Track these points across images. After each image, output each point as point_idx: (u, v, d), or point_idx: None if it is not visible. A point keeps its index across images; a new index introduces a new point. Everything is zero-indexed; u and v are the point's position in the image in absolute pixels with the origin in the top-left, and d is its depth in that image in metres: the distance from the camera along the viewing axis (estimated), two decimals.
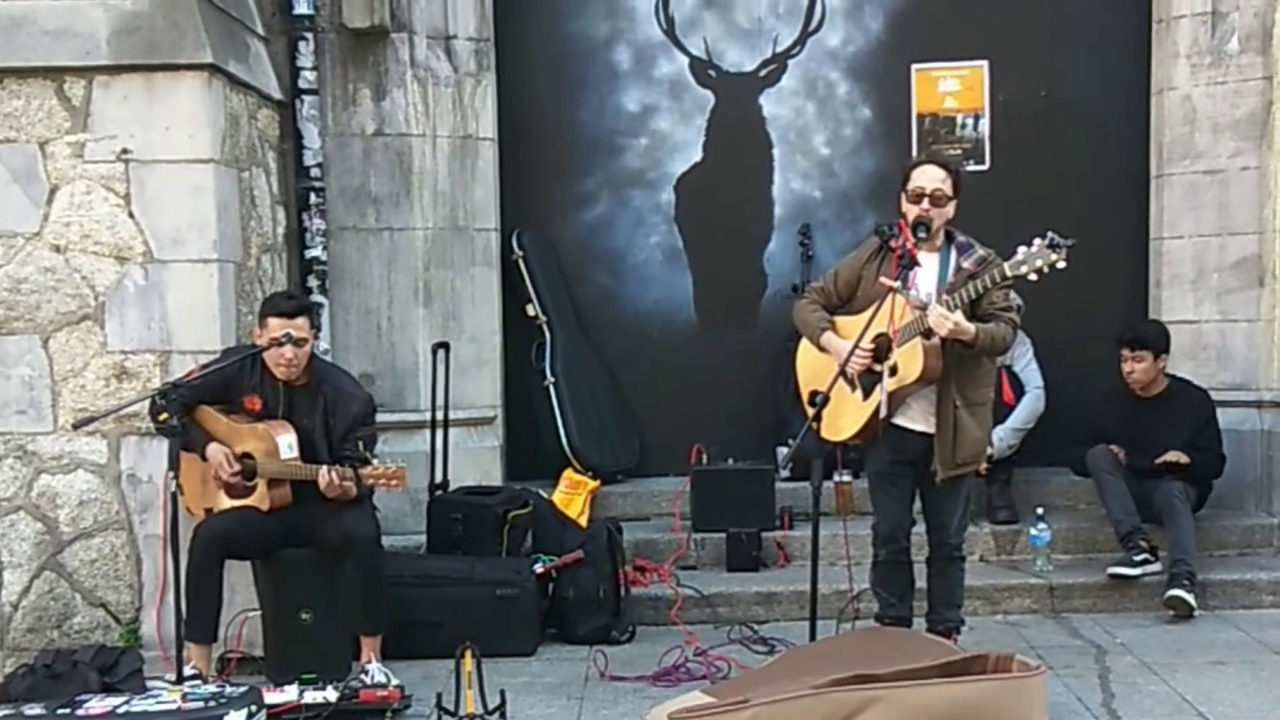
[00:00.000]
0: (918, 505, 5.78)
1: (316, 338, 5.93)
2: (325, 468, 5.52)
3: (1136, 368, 6.89)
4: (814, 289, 5.82)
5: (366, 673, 5.59)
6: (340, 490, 5.51)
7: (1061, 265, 5.22)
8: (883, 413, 5.37)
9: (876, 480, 5.76)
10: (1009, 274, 5.29)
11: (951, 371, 5.40)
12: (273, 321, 5.62)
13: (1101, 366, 7.13)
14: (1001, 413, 7.01)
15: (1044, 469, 7.60)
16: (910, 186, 5.50)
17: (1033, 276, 5.26)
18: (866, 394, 5.46)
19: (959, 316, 5.26)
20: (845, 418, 5.54)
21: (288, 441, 5.65)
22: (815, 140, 8.19)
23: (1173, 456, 6.77)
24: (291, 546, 5.77)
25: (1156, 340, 6.93)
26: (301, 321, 5.63)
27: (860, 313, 5.52)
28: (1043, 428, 7.30)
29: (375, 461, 5.68)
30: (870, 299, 5.47)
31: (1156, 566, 6.71)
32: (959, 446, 5.46)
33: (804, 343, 5.77)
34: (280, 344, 5.58)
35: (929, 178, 5.48)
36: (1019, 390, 7.24)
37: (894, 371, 5.36)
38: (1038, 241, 5.26)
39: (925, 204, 5.45)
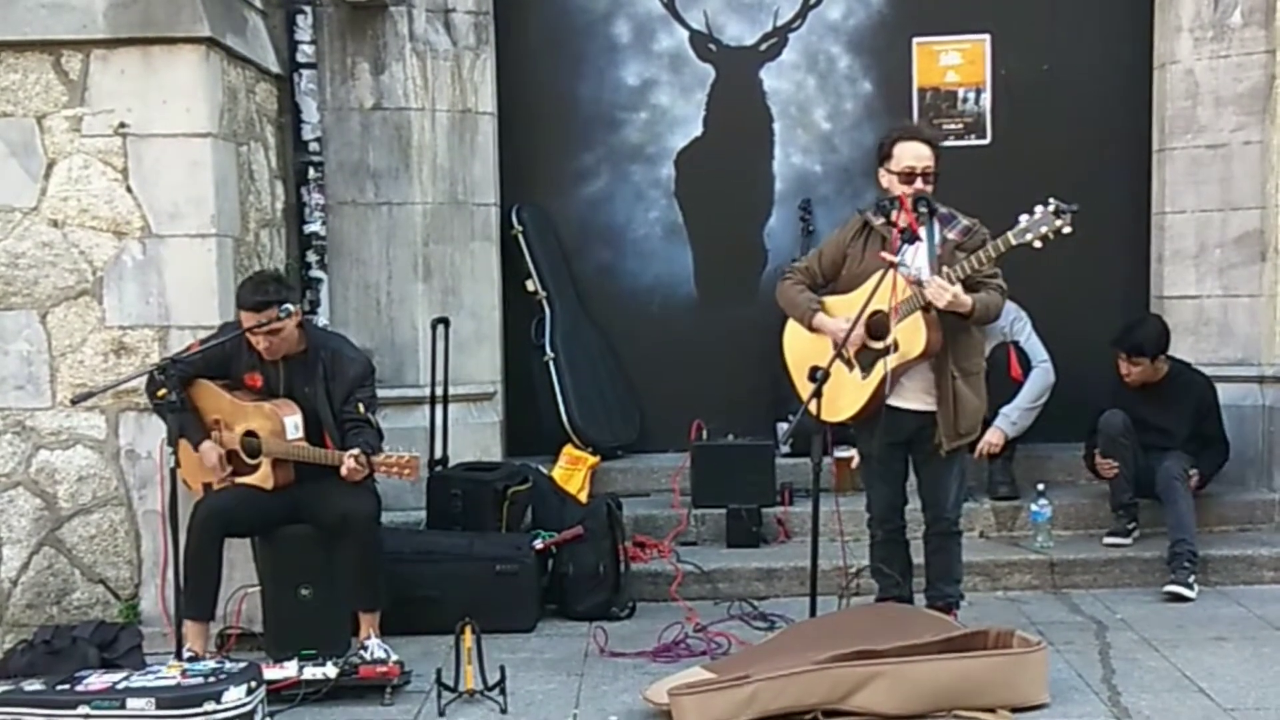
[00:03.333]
0: (911, 483, 5.78)
1: (310, 312, 5.87)
2: (349, 455, 5.45)
3: (1133, 370, 6.86)
4: (797, 269, 5.78)
5: (365, 649, 5.58)
6: (356, 474, 5.48)
7: (1067, 230, 5.20)
8: (887, 390, 5.36)
9: (871, 463, 5.73)
10: (1013, 241, 5.25)
11: (947, 344, 5.39)
12: (242, 314, 5.59)
13: (1103, 342, 7.07)
14: (1012, 389, 7.00)
15: (1045, 444, 7.58)
16: (899, 166, 5.47)
17: (1037, 244, 5.23)
18: (866, 373, 5.44)
19: (958, 289, 5.25)
20: (844, 398, 5.50)
21: (294, 422, 5.63)
22: (816, 114, 8.16)
23: (1191, 472, 6.80)
24: (291, 524, 5.75)
25: (1155, 345, 6.85)
26: (268, 314, 5.53)
27: (847, 292, 5.50)
28: (1048, 400, 7.27)
29: (373, 419, 5.72)
30: (855, 278, 5.47)
31: (1138, 534, 6.90)
32: (960, 417, 5.46)
33: (790, 326, 5.74)
34: (255, 333, 5.57)
35: (917, 156, 5.46)
36: (1026, 365, 7.16)
37: (895, 348, 5.34)
38: (1040, 208, 5.23)
39: (919, 183, 5.43)
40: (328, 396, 5.70)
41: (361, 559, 5.64)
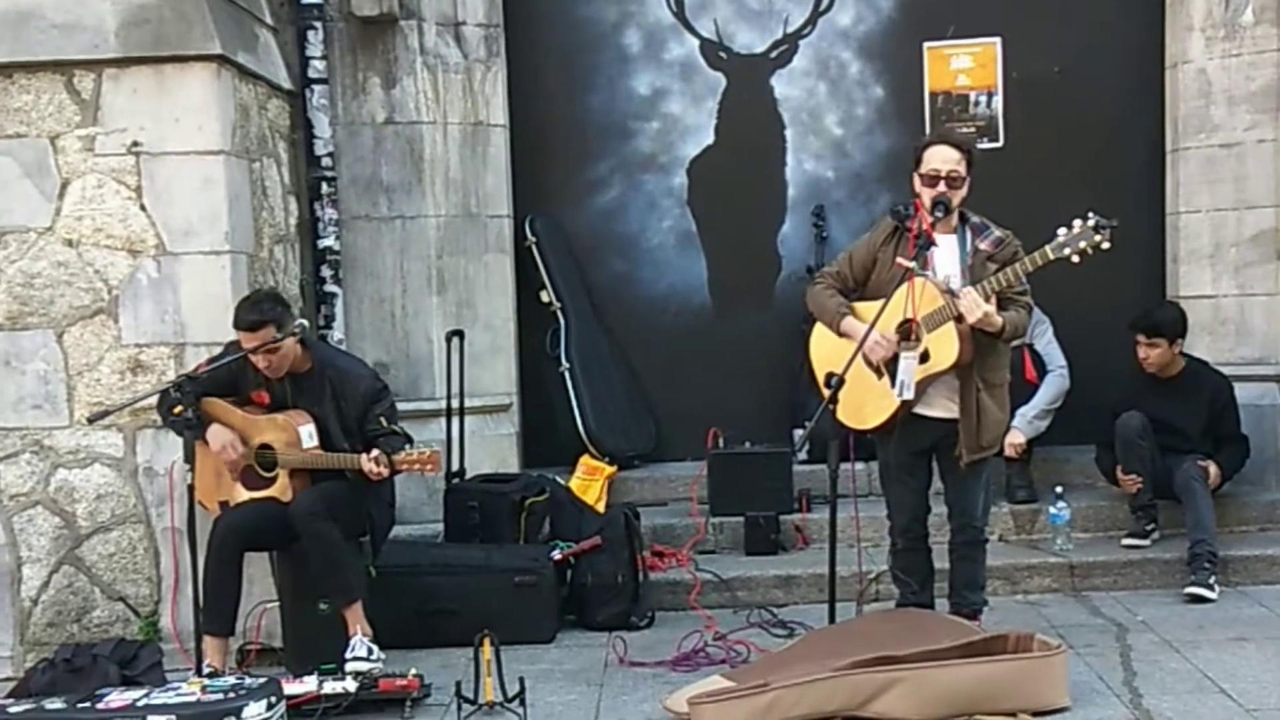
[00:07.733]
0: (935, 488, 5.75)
1: (325, 327, 5.86)
2: (365, 455, 5.47)
3: (1151, 354, 6.85)
4: (828, 273, 5.72)
5: (349, 646, 5.53)
6: (379, 476, 5.49)
7: (1106, 246, 5.17)
8: (910, 397, 5.33)
9: (893, 472, 5.69)
10: (1051, 256, 5.22)
11: (974, 355, 5.36)
12: (240, 334, 5.57)
13: (1119, 343, 7.06)
14: (1026, 392, 6.99)
15: (1064, 447, 7.55)
16: (924, 169, 5.44)
17: (1075, 259, 5.20)
18: (895, 381, 5.40)
19: (991, 307, 5.22)
20: (870, 405, 5.47)
21: (309, 431, 5.63)
22: (828, 120, 8.15)
23: (1212, 472, 6.76)
24: None
25: (1172, 327, 6.88)
26: (264, 333, 5.51)
27: (876, 298, 5.45)
28: (1063, 405, 7.25)
29: (398, 428, 5.71)
30: (886, 282, 5.41)
31: (1157, 535, 6.90)
32: (983, 429, 5.42)
33: (818, 328, 5.69)
34: (255, 352, 5.55)
35: (943, 159, 5.42)
36: (1041, 369, 7.18)
37: (925, 358, 5.31)
38: (1079, 222, 5.19)
39: (941, 186, 5.39)
40: (339, 415, 5.69)
41: (317, 554, 5.59)
